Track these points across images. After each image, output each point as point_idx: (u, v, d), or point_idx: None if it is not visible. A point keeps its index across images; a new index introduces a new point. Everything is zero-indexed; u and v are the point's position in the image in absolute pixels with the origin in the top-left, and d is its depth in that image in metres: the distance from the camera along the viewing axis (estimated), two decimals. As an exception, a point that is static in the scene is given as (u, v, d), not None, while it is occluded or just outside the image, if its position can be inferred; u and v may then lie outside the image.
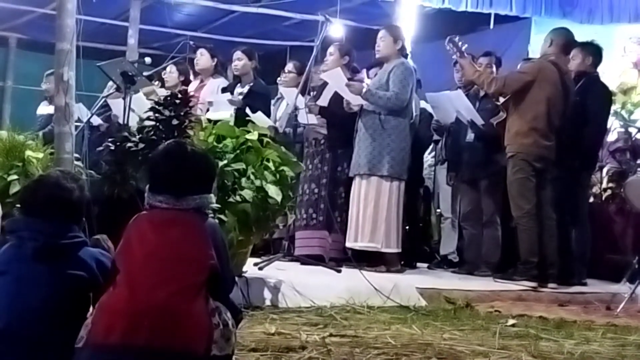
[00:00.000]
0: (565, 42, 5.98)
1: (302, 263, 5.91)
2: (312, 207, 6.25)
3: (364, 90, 5.98)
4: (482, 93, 6.49)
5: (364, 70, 7.09)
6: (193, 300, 2.42)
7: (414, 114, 6.31)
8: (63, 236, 2.56)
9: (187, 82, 7.24)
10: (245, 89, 6.64)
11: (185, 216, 2.56)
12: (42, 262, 2.50)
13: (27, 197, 2.67)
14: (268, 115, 6.49)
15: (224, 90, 6.69)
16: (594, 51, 6.26)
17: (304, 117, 6.16)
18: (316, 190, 6.27)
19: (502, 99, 6.11)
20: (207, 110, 6.56)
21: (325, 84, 6.32)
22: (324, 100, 6.29)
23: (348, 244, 6.02)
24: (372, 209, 5.90)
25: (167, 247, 2.49)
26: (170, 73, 7.37)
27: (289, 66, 7.19)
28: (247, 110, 5.96)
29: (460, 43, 5.98)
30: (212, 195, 2.69)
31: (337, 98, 6.18)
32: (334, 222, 6.16)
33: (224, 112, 6.14)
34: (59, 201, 2.60)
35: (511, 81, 5.91)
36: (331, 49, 6.40)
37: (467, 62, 6.08)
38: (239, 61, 6.75)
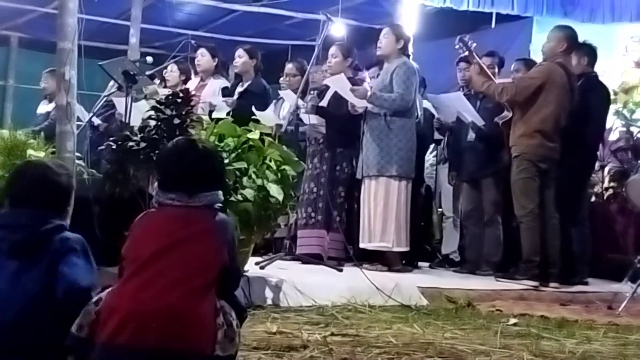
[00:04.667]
0: (574, 42, 5.98)
1: (304, 262, 5.91)
2: (312, 206, 6.24)
3: (369, 93, 5.98)
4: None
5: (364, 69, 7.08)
6: (201, 300, 2.41)
7: (419, 113, 6.31)
8: (41, 225, 2.50)
9: (188, 81, 7.24)
10: (243, 88, 6.65)
11: (197, 214, 2.54)
12: (20, 259, 2.45)
13: (13, 183, 2.62)
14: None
15: (224, 90, 6.68)
16: (588, 51, 6.28)
17: (305, 117, 6.17)
18: (315, 190, 6.26)
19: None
20: (210, 111, 6.54)
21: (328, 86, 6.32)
22: (323, 101, 6.29)
23: (362, 245, 6.01)
24: (382, 209, 5.91)
25: (177, 247, 2.46)
26: (172, 72, 7.38)
27: (289, 68, 7.14)
28: (253, 109, 5.95)
29: (470, 42, 5.98)
30: (221, 191, 2.67)
31: (335, 98, 6.18)
32: (333, 221, 6.14)
33: (223, 112, 6.16)
34: (44, 186, 2.55)
35: (522, 89, 5.88)
36: (333, 51, 6.36)
37: (475, 73, 6.07)
38: (240, 58, 6.77)
